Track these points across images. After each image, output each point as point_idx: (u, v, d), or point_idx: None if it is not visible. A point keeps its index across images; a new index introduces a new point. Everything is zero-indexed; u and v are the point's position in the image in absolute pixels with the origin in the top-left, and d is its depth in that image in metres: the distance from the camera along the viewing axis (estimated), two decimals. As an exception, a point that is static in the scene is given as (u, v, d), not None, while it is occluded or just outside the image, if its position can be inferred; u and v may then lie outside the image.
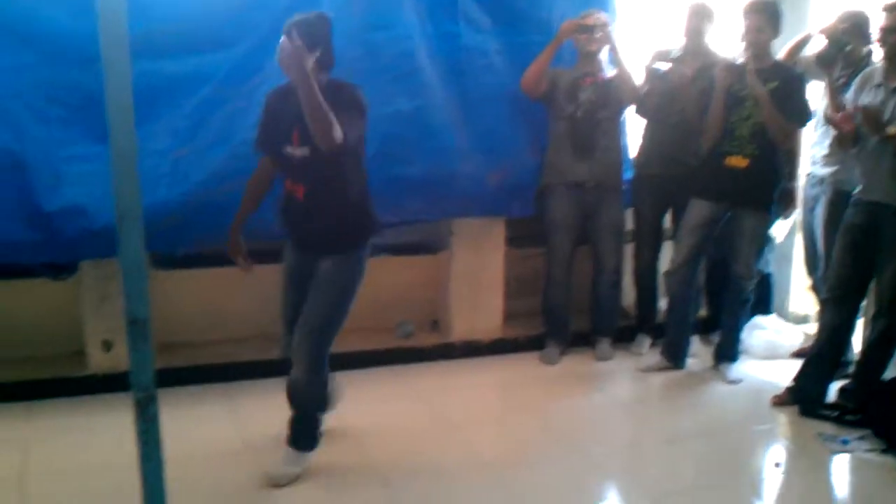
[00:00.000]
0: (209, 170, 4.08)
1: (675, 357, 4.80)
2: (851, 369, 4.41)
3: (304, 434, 3.46)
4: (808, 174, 4.74)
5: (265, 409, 4.02)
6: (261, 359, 4.44)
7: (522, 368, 4.78)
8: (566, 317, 4.94)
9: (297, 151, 3.21)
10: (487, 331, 5.00)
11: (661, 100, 4.73)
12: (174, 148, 4.08)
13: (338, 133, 2.95)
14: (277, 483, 3.37)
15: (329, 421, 3.78)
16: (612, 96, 4.69)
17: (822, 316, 4.37)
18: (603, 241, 4.85)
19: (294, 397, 3.42)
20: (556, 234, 4.81)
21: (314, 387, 3.39)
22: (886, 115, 3.88)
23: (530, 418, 4.14)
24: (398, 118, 4.37)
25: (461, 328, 4.96)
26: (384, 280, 4.91)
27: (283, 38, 2.91)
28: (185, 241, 4.21)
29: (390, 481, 3.45)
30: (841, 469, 3.77)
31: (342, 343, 4.59)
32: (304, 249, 3.40)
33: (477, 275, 4.96)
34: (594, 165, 4.69)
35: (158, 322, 4.35)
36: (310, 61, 2.90)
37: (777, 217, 4.84)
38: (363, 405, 4.15)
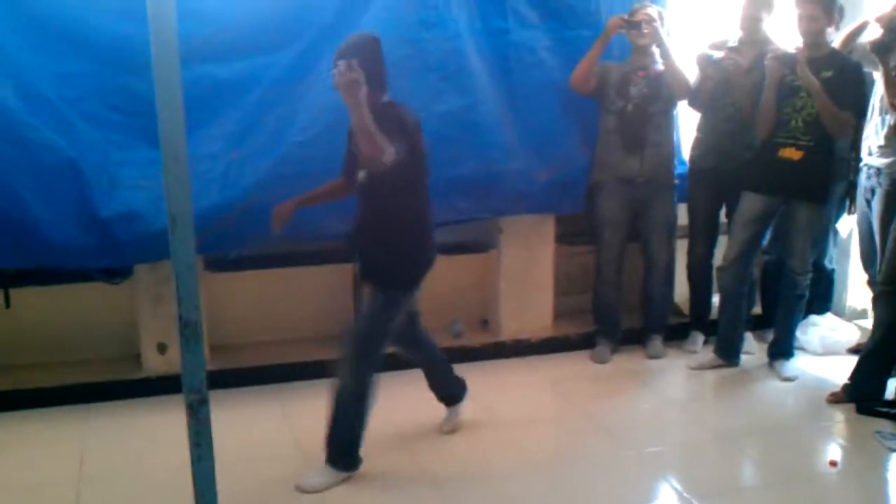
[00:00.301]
0: (259, 173, 4.11)
1: (728, 354, 4.73)
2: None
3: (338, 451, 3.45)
4: (864, 165, 4.64)
5: (316, 411, 4.04)
6: (312, 359, 4.48)
7: (573, 367, 4.76)
8: (617, 314, 4.90)
9: (360, 175, 3.33)
10: (537, 329, 4.99)
11: (714, 89, 4.67)
12: (226, 152, 4.13)
13: (387, 156, 3.02)
14: (303, 490, 3.39)
15: (380, 423, 3.82)
16: (664, 90, 4.64)
17: (877, 311, 4.28)
18: (654, 238, 4.81)
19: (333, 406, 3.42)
20: (607, 231, 4.77)
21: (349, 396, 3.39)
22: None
23: (581, 417, 4.12)
24: (447, 117, 4.38)
25: (511, 327, 4.95)
26: (434, 280, 4.88)
27: (341, 63, 2.92)
28: (235, 243, 4.26)
29: (442, 482, 3.45)
30: (901, 468, 3.70)
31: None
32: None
33: (526, 273, 4.95)
34: (645, 161, 4.65)
35: (210, 324, 4.49)
36: (363, 89, 2.92)
37: (842, 212, 4.74)
38: (414, 406, 4.14)
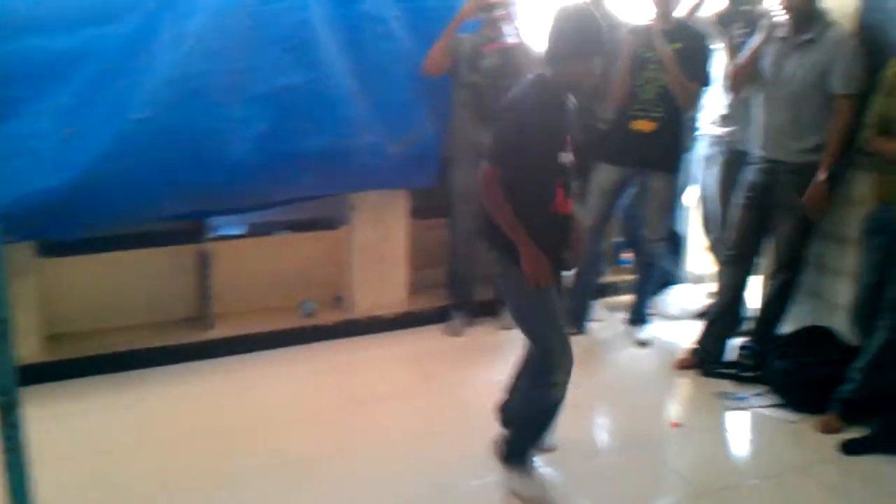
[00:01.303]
0: (97, 151, 3.88)
1: (576, 321, 4.82)
2: (747, 326, 4.49)
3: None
4: (706, 134, 4.77)
5: (162, 399, 3.92)
6: (157, 346, 4.34)
7: (429, 341, 4.74)
8: (471, 287, 4.91)
9: (566, 160, 2.96)
10: (392, 305, 4.95)
11: None
12: (60, 129, 3.87)
13: None
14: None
15: (230, 404, 3.73)
16: (516, 64, 4.58)
17: (722, 276, 4.44)
18: None
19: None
20: (460, 205, 4.73)
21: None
22: (786, 70, 3.93)
23: (437, 392, 4.12)
24: (293, 91, 4.23)
25: (365, 303, 4.89)
26: (285, 258, 4.84)
27: None
28: (74, 226, 4.02)
29: (295, 463, 3.38)
30: (739, 425, 3.86)
31: (243, 325, 4.57)
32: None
33: (380, 248, 4.90)
34: None
35: (46, 313, 4.26)
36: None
37: (687, 182, 4.87)
38: (267, 387, 4.09)
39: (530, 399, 3.07)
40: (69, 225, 3.98)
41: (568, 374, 2.95)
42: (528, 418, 3.12)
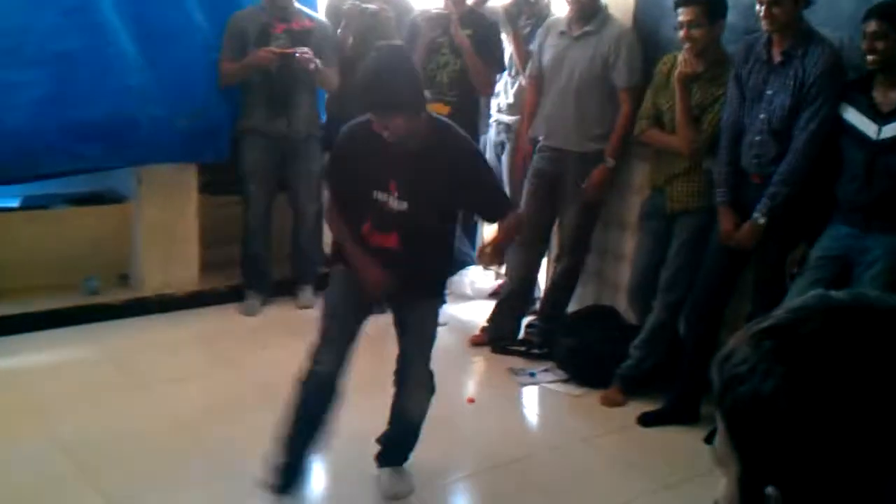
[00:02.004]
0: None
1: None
2: (537, 306, 4.67)
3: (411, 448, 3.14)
4: (494, 121, 4.90)
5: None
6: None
7: (222, 321, 4.61)
8: (266, 266, 4.80)
9: (392, 203, 2.82)
10: (183, 283, 4.76)
11: (356, 46, 4.64)
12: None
13: None
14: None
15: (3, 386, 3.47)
16: (310, 47, 4.40)
17: (512, 259, 4.58)
18: (302, 188, 4.73)
19: (414, 418, 3.08)
20: (252, 184, 4.60)
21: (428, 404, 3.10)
22: (567, 62, 4.09)
23: (230, 372, 4.01)
24: (70, 57, 4.03)
25: (154, 281, 4.68)
26: (66, 233, 4.55)
27: None
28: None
29: (75, 450, 3.19)
30: (529, 399, 4.02)
31: (19, 304, 4.26)
32: (394, 295, 3.02)
33: (169, 224, 4.69)
34: (293, 120, 4.51)
35: None
36: None
37: None
38: (45, 369, 3.87)
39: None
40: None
41: (316, 362, 2.95)
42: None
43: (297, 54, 4.28)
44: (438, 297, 3.25)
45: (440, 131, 2.84)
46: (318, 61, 4.35)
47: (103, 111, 4.11)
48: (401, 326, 3.08)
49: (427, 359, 3.08)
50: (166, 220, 4.67)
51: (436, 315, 3.15)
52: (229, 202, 4.88)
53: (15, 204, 4.49)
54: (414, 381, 3.04)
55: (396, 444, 3.15)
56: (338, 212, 2.96)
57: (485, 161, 3.22)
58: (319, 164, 4.75)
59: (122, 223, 4.71)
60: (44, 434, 3.31)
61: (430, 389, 3.08)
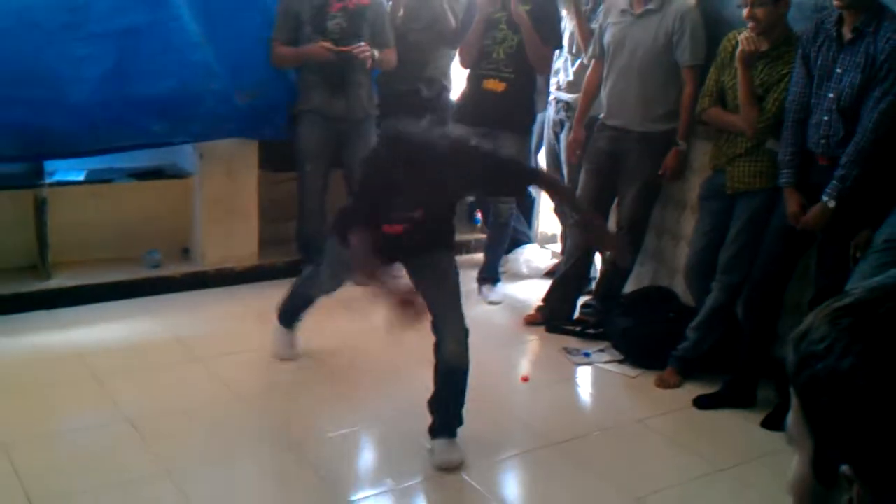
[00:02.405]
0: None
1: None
2: (593, 286, 4.65)
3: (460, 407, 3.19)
4: (553, 99, 4.86)
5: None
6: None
7: (279, 296, 4.64)
8: (321, 243, 4.82)
9: (408, 214, 2.97)
10: (242, 258, 4.82)
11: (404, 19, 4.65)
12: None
13: None
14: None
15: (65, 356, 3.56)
16: (366, 24, 4.40)
17: (568, 238, 4.56)
18: (356, 171, 4.70)
19: (456, 366, 3.10)
20: (308, 164, 4.59)
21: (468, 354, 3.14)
22: (630, 41, 4.04)
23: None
24: (136, 33, 4.07)
25: (214, 256, 4.75)
26: (129, 207, 4.63)
27: None
28: None
29: (136, 422, 3.26)
30: (583, 379, 4.01)
31: (82, 275, 4.36)
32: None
33: (229, 200, 4.75)
34: (350, 100, 4.48)
35: None
36: None
37: (542, 143, 4.94)
38: (105, 340, 3.95)
39: (304, 276, 3.81)
40: None
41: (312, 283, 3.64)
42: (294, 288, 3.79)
43: (355, 51, 4.27)
44: (451, 249, 3.33)
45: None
46: (375, 53, 4.35)
47: (167, 86, 4.17)
48: (422, 284, 3.11)
49: (459, 307, 3.14)
50: (227, 195, 4.73)
51: (454, 263, 3.24)
52: (288, 178, 4.92)
53: (80, 177, 4.58)
54: (450, 328, 3.07)
55: (444, 404, 3.15)
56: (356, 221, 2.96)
57: (486, 151, 3.17)
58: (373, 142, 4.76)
59: (183, 198, 4.79)
60: (106, 404, 3.38)
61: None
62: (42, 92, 3.91)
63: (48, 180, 4.33)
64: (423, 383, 3.21)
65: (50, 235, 4.28)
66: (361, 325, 4.23)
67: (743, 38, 3.49)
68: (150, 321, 4.22)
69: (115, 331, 4.08)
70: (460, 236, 5.35)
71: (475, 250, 5.33)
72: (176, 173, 4.79)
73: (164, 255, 4.66)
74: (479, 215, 5.55)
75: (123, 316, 4.25)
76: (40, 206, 4.25)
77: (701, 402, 3.69)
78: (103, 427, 3.21)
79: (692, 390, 3.78)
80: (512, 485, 3.15)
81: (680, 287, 4.25)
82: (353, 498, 2.86)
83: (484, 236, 5.20)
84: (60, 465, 2.94)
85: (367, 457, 3.25)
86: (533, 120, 4.69)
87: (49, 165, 4.35)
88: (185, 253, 4.84)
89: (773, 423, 3.51)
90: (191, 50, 4.24)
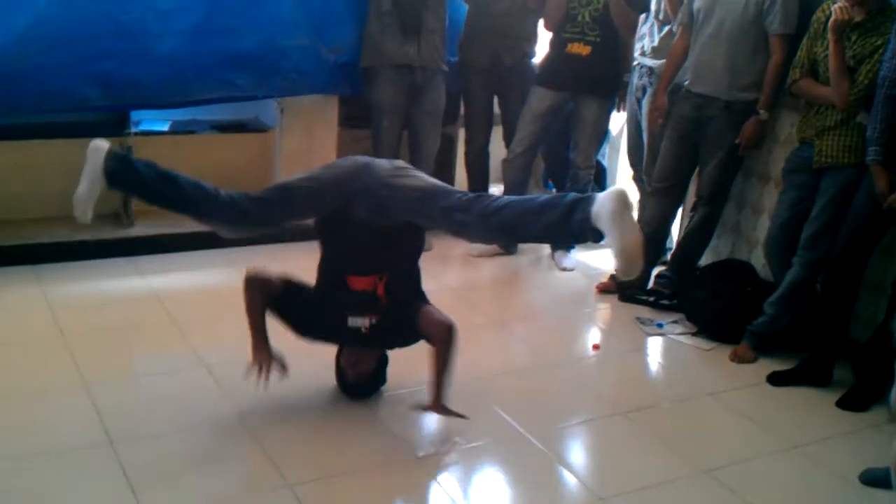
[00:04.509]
0: (9, 34, 3.74)
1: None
2: (669, 256, 4.58)
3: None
4: (637, 65, 4.77)
5: (78, 293, 3.87)
6: (72, 240, 4.23)
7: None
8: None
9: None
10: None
11: None
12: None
13: None
14: None
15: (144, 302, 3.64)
16: None
17: (647, 206, 4.50)
18: (424, 127, 4.71)
19: None
20: (383, 119, 4.61)
21: None
22: (721, 7, 3.93)
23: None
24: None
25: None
26: (209, 160, 4.68)
27: None
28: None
29: (213, 369, 3.35)
30: (655, 350, 3.96)
31: (163, 224, 4.45)
32: None
33: (308, 155, 4.77)
34: (422, 47, 4.49)
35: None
36: None
37: (613, 108, 4.87)
38: (183, 288, 4.09)
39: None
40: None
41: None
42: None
43: None
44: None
45: None
46: None
47: (252, 41, 4.23)
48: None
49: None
50: (306, 150, 4.77)
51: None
52: (367, 136, 4.94)
53: (164, 128, 4.67)
54: None
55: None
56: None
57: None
58: (442, 102, 4.74)
59: (263, 151, 4.85)
60: (184, 350, 3.47)
61: None
62: (129, 44, 3.98)
63: (133, 130, 4.42)
64: (493, 346, 3.21)
65: (134, 184, 4.37)
66: (439, 285, 4.23)
67: (837, 7, 3.37)
68: (229, 272, 4.28)
69: (194, 279, 4.20)
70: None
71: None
72: (257, 127, 4.85)
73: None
74: (552, 181, 5.50)
75: (203, 266, 4.36)
76: (126, 155, 4.34)
77: (776, 379, 3.63)
78: (180, 372, 3.30)
79: (767, 366, 3.71)
80: (578, 450, 3.14)
81: (758, 261, 4.17)
82: (421, 454, 2.89)
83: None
84: (138, 406, 3.04)
85: (436, 416, 3.27)
86: (617, 86, 4.61)
87: (135, 115, 4.45)
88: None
89: (849, 403, 3.44)
90: (277, 4, 4.28)
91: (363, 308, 2.95)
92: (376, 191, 2.85)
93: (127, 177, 2.87)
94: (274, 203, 2.97)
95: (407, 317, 2.93)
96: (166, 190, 2.91)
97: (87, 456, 2.70)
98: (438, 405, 2.93)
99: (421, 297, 3.04)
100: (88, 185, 2.84)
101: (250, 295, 3.03)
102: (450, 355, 2.90)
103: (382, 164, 2.98)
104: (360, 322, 2.96)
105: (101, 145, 2.84)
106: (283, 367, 3.03)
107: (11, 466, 2.60)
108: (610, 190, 2.60)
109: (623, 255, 2.53)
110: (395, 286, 2.96)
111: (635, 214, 2.80)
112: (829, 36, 3.41)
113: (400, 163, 3.07)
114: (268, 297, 3.04)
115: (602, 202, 2.54)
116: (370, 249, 2.92)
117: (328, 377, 3.23)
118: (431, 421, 3.09)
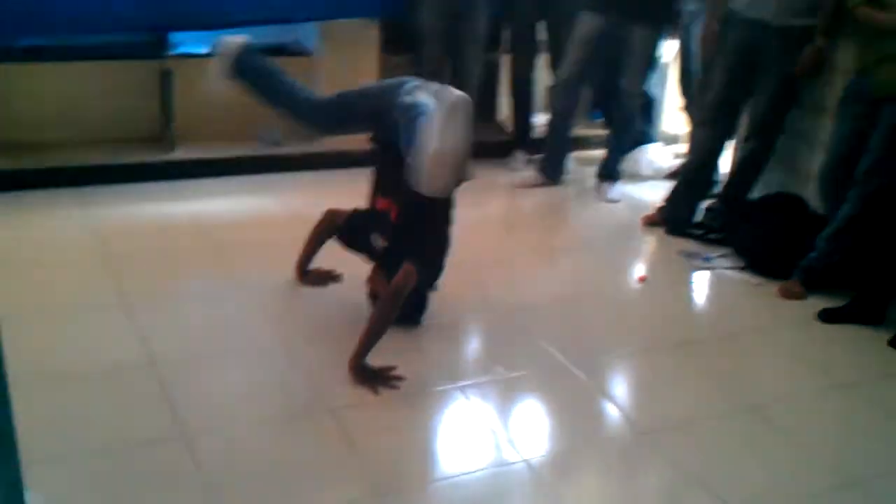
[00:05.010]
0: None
1: (554, 173, 4.76)
2: (718, 189, 4.47)
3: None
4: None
5: (119, 215, 3.88)
6: (114, 163, 4.22)
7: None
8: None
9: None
10: (362, 140, 4.77)
11: None
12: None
13: None
14: None
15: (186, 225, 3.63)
16: None
17: (695, 137, 4.38)
18: (466, 52, 4.62)
19: None
20: (427, 43, 4.55)
21: None
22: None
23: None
24: None
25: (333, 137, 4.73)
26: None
27: None
28: (19, 31, 3.81)
29: (246, 286, 3.34)
30: (702, 284, 3.89)
31: (205, 149, 4.42)
32: None
33: (350, 80, 4.60)
34: None
35: (3, 120, 4.08)
36: None
37: (664, 36, 4.70)
38: (228, 215, 4.04)
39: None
40: (13, 29, 3.78)
41: None
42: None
43: None
44: None
45: None
46: None
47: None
48: None
49: None
50: (348, 75, 4.63)
51: None
52: (406, 62, 4.84)
53: (204, 50, 4.59)
54: None
55: None
56: None
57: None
58: (486, 27, 4.62)
59: (304, 76, 4.67)
60: (225, 275, 3.45)
61: None
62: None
63: (172, 52, 4.37)
64: (536, 277, 3.16)
65: (174, 107, 4.34)
66: (478, 213, 4.18)
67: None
68: (269, 197, 4.27)
69: (236, 204, 4.17)
70: (579, 131, 5.25)
71: (595, 147, 5.18)
72: (298, 51, 4.76)
73: (284, 134, 4.67)
74: (598, 111, 5.37)
75: (245, 191, 4.33)
76: (165, 78, 4.30)
77: (826, 316, 3.54)
78: (221, 297, 3.28)
79: (817, 303, 3.61)
80: (621, 383, 3.09)
81: (810, 195, 4.04)
82: (464, 383, 2.86)
83: (604, 133, 5.04)
84: (181, 328, 3.03)
85: (477, 345, 3.24)
86: (670, 14, 4.45)
87: (173, 38, 4.39)
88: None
89: (903, 342, 3.36)
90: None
91: (381, 228, 3.04)
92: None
93: (252, 65, 3.29)
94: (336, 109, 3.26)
95: (401, 259, 2.86)
96: (279, 86, 3.32)
97: (129, 376, 2.70)
98: (352, 364, 2.80)
99: (422, 254, 2.89)
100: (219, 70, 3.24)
101: (318, 223, 3.32)
102: (380, 317, 2.83)
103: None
104: (377, 241, 3.06)
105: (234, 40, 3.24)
106: (333, 278, 3.36)
107: (53, 385, 2.60)
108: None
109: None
110: (406, 219, 2.96)
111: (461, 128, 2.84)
112: None
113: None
114: (333, 225, 3.26)
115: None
116: (394, 173, 2.93)
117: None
118: (472, 349, 3.05)
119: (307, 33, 4.71)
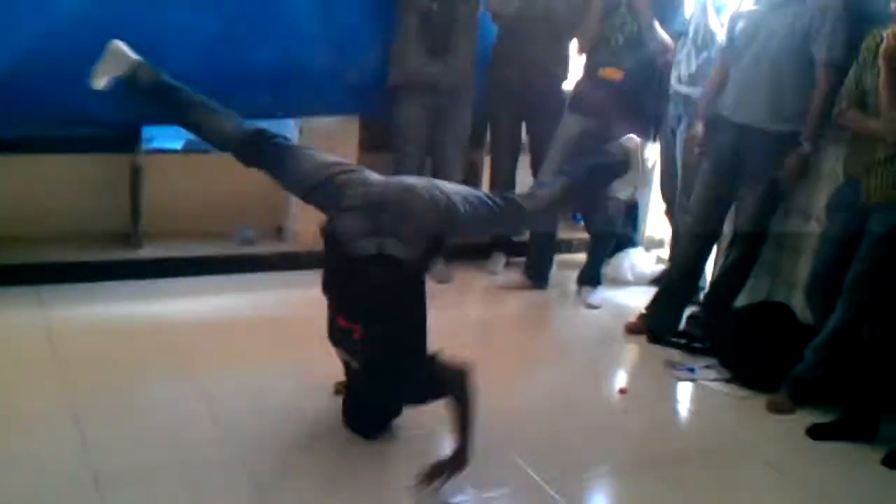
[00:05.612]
0: (21, 47, 3.67)
1: (538, 277, 4.68)
2: (701, 296, 4.36)
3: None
4: (673, 93, 4.56)
5: (79, 315, 3.76)
6: (78, 260, 4.12)
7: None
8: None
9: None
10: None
11: (520, 2, 4.43)
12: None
13: None
14: None
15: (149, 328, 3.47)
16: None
17: (679, 243, 4.29)
18: (447, 152, 4.58)
19: None
20: (406, 144, 4.50)
21: None
22: (764, 31, 3.73)
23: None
24: (243, 1, 4.10)
25: (308, 236, 4.62)
26: (225, 180, 4.51)
27: None
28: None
29: (205, 396, 3.18)
30: (686, 397, 3.74)
31: (174, 247, 4.30)
32: None
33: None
34: (449, 66, 4.36)
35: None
36: None
37: (647, 139, 4.66)
38: (195, 316, 3.92)
39: None
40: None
41: None
42: None
43: None
44: None
45: None
46: None
47: (273, 58, 4.14)
48: None
49: None
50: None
51: None
52: (385, 161, 4.77)
53: (177, 146, 4.54)
54: None
55: None
56: None
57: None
58: (468, 126, 4.58)
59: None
60: (183, 381, 3.30)
61: None
62: (143, 56, 3.87)
63: (145, 147, 4.30)
64: (513, 386, 3.01)
65: (143, 204, 4.24)
66: (457, 315, 4.05)
67: (889, 33, 3.17)
68: (240, 299, 4.15)
69: (202, 306, 4.04)
70: (562, 235, 5.18)
71: (576, 250, 5.10)
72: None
73: (256, 232, 4.57)
74: (579, 214, 5.31)
75: (212, 291, 4.21)
76: (136, 173, 4.23)
77: (816, 432, 3.38)
78: (176, 403, 3.13)
79: (806, 418, 3.46)
80: (599, 503, 2.92)
81: (797, 305, 3.93)
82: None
83: (586, 236, 4.96)
84: (129, 440, 2.86)
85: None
86: (654, 117, 4.43)
87: (146, 132, 4.32)
88: (280, 231, 4.74)
89: (896, 461, 3.20)
90: (298, 21, 4.19)
91: (347, 346, 2.75)
92: None
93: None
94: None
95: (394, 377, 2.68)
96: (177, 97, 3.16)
97: (68, 495, 2.51)
98: (466, 457, 2.68)
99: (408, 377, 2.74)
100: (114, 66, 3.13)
101: None
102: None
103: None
104: (346, 357, 2.82)
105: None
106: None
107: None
108: None
109: None
110: (374, 342, 2.65)
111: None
112: (881, 64, 3.20)
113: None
114: None
115: None
116: (352, 290, 2.69)
117: (337, 419, 3.05)
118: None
119: (285, 130, 4.64)
